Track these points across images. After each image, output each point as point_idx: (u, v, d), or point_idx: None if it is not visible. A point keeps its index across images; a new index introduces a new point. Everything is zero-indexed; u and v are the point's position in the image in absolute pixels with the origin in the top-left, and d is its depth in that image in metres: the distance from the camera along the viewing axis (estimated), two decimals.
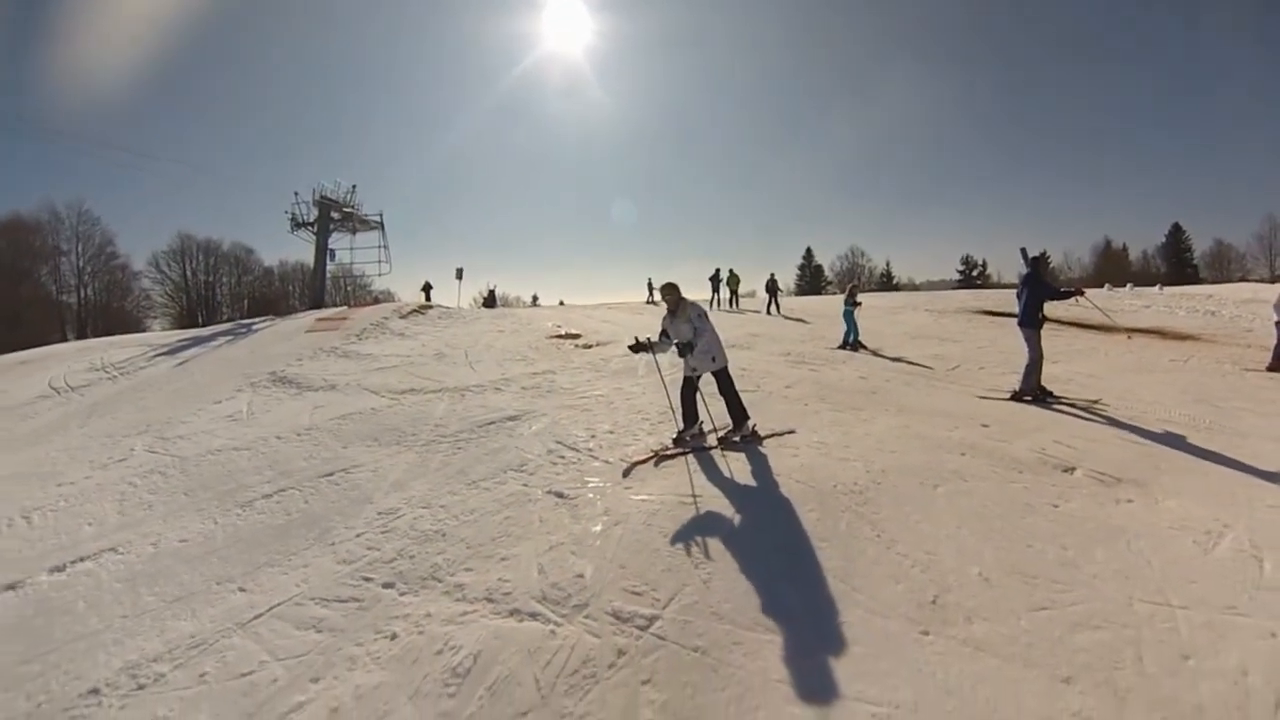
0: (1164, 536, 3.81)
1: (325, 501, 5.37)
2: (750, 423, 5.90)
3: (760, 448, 5.62)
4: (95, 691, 3.37)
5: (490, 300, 38.46)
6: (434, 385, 9.41)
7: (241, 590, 4.15)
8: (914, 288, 61.01)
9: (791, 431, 6.06)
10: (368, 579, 3.99)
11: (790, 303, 24.65)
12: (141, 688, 3.35)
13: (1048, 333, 7.32)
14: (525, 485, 5.22)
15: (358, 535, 4.64)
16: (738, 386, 5.94)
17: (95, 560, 4.97)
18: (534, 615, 3.32)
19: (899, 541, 3.80)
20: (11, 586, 4.72)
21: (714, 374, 5.81)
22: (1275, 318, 9.34)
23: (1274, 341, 9.19)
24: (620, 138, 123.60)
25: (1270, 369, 8.91)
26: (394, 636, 3.34)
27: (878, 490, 4.51)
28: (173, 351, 16.47)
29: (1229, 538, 3.74)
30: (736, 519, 4.28)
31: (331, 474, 5.97)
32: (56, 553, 5.21)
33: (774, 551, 3.80)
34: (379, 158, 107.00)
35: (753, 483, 4.91)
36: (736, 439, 5.76)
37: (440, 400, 8.45)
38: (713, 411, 5.95)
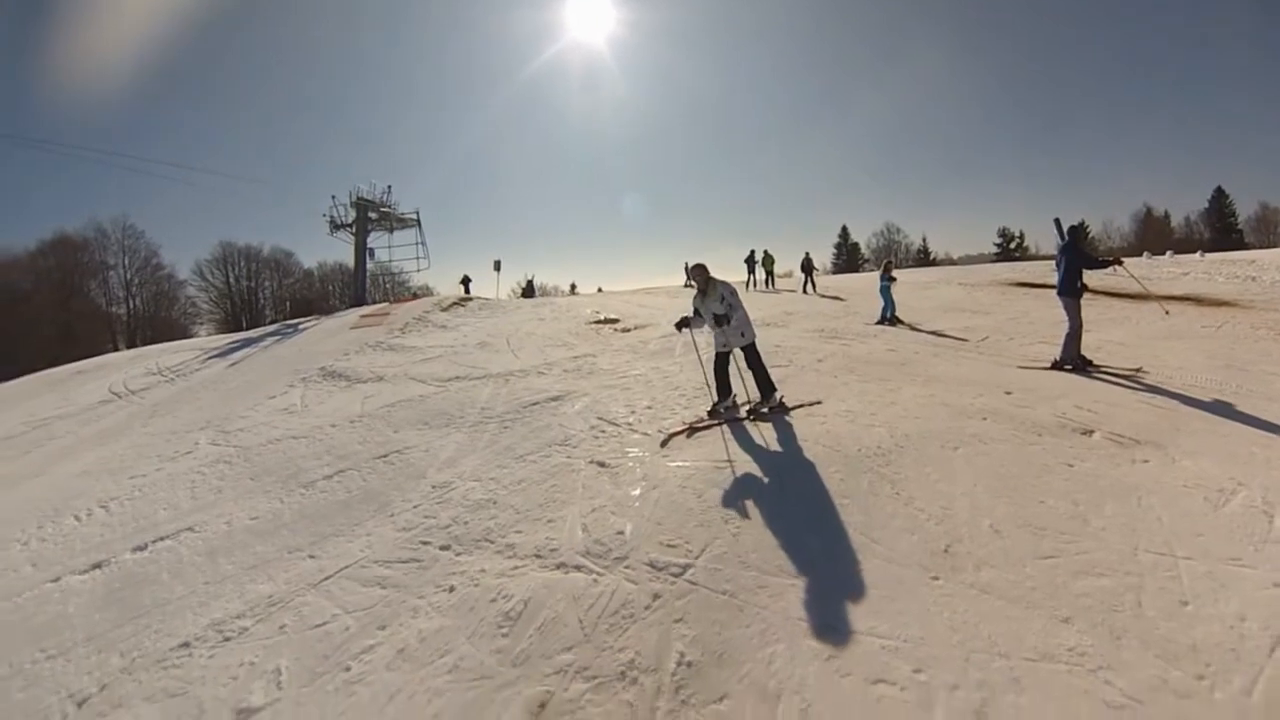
0: (1176, 494, 3.96)
1: (382, 479, 5.79)
2: (778, 394, 6.18)
3: (788, 417, 5.88)
4: (185, 645, 3.82)
5: (529, 290, 38.93)
6: (479, 372, 9.79)
7: (311, 557, 4.57)
8: (951, 262, 59.95)
9: (818, 402, 6.29)
10: (425, 543, 4.39)
11: (826, 281, 24.63)
12: (227, 640, 3.78)
13: (1083, 302, 7.37)
14: (569, 458, 5.56)
15: (414, 506, 5.05)
16: (770, 362, 6.22)
17: (174, 539, 5.44)
18: (578, 567, 3.67)
19: (917, 498, 4.04)
20: (98, 565, 5.21)
21: (743, 349, 6.10)
22: None
23: None
24: (652, 123, 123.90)
25: None
26: (452, 589, 3.72)
27: (899, 453, 4.74)
28: (224, 354, 17.22)
29: (1241, 495, 3.86)
30: (765, 480, 4.58)
31: (386, 455, 6.40)
32: (136, 534, 5.70)
33: (798, 508, 4.08)
34: (412, 155, 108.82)
35: (781, 448, 5.19)
36: (765, 410, 6.03)
37: (485, 385, 8.81)
38: (746, 385, 6.24)
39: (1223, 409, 5.61)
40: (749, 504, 4.16)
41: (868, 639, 2.82)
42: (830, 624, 2.94)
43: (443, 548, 4.27)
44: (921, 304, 14.38)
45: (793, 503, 4.16)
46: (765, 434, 5.52)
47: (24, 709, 3.55)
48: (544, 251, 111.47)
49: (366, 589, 3.95)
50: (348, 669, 3.23)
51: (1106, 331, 9.60)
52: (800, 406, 6.19)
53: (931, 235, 77.27)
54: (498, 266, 30.52)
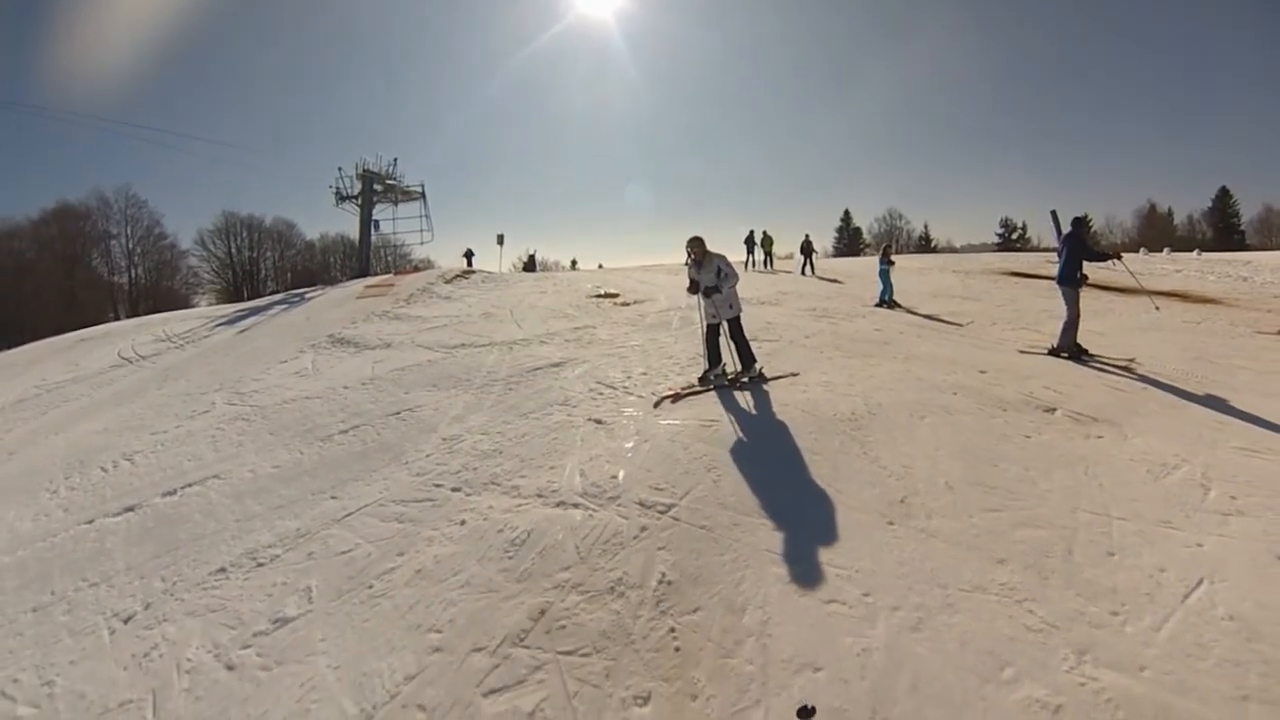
0: (1121, 465, 4.36)
1: (396, 433, 6.24)
2: (757, 366, 6.67)
3: (768, 386, 6.36)
4: (222, 570, 4.29)
5: (530, 265, 39.34)
6: (483, 340, 10.21)
7: (333, 498, 5.03)
8: (952, 250, 59.98)
9: (795, 374, 6.74)
10: (438, 485, 4.86)
11: (825, 264, 24.92)
12: (260, 565, 4.25)
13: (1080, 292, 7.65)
14: (569, 415, 6.02)
15: (427, 456, 5.52)
16: (761, 337, 6.65)
17: (202, 485, 5.88)
18: (576, 505, 4.14)
19: (882, 458, 4.48)
20: (130, 509, 5.66)
21: (728, 321, 6.58)
22: None
23: None
24: (657, 100, 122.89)
25: None
26: (463, 523, 4.19)
27: (871, 419, 5.18)
28: (232, 321, 17.58)
29: (1183, 470, 4.24)
30: (746, 438, 5.05)
31: (398, 413, 6.84)
32: (165, 481, 6.14)
33: (774, 462, 4.56)
34: (417, 128, 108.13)
35: (763, 412, 5.65)
36: (745, 380, 6.50)
37: (490, 352, 9.25)
38: (735, 356, 6.68)
39: (1183, 395, 5.97)
40: (730, 457, 4.64)
41: (825, 568, 3.26)
42: (793, 555, 3.38)
43: (454, 490, 4.74)
44: (915, 289, 14.75)
45: (769, 457, 4.63)
46: (749, 400, 5.98)
47: (69, 628, 3.99)
48: (546, 227, 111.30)
49: (385, 524, 4.42)
50: (370, 586, 3.69)
51: (1089, 322, 9.94)
52: (780, 378, 6.64)
53: (934, 223, 77.06)
54: (500, 240, 30.92)
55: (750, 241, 24.31)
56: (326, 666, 3.09)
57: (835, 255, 57.65)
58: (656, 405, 5.96)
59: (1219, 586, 2.97)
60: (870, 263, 19.00)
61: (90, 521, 5.55)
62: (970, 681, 2.46)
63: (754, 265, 23.81)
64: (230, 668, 3.26)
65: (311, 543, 4.37)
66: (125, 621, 3.96)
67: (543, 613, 3.13)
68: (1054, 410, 5.47)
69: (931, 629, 2.79)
